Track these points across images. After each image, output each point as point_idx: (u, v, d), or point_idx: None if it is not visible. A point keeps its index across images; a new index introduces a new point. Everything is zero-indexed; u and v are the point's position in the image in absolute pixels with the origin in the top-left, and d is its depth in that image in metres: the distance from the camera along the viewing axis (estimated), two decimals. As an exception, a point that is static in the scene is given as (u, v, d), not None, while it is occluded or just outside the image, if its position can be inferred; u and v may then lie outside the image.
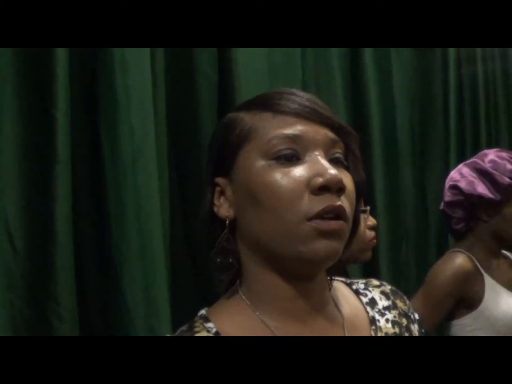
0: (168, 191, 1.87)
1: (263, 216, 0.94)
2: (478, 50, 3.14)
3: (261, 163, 0.94)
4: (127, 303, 1.68)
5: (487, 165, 2.11)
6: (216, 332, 0.99)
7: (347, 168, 0.99)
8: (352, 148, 1.00)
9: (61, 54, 1.60)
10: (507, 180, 2.08)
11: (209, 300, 1.07)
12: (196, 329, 0.99)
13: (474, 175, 2.13)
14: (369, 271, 2.43)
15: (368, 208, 1.95)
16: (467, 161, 2.21)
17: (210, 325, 0.99)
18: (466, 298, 2.10)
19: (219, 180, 1.00)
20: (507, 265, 2.25)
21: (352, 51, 2.65)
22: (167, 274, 1.78)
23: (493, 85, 3.19)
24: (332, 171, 0.92)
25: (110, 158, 1.69)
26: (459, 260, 2.11)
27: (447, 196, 2.18)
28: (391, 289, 1.13)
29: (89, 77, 1.72)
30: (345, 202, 0.94)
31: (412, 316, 1.12)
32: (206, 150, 1.80)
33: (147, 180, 1.71)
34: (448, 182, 2.20)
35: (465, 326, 2.10)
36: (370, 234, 1.94)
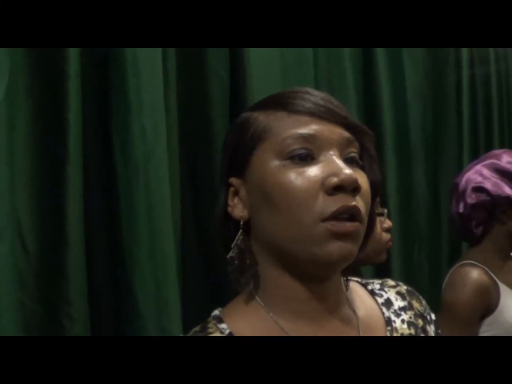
0: (180, 192, 1.87)
1: (277, 216, 0.93)
2: (491, 50, 3.13)
3: (275, 163, 0.94)
4: (138, 303, 1.67)
5: (508, 166, 2.09)
6: (230, 333, 0.98)
7: (362, 168, 0.98)
8: (367, 147, 1.00)
9: (72, 55, 1.60)
10: None
11: (220, 300, 1.07)
12: (210, 330, 1.00)
13: (496, 176, 2.09)
14: (382, 272, 2.41)
15: (385, 210, 1.95)
16: (483, 162, 2.16)
17: (223, 326, 0.99)
18: (485, 309, 2.08)
19: (233, 180, 1.00)
20: None
21: (365, 51, 2.64)
22: (178, 275, 1.78)
23: (506, 85, 3.18)
24: (347, 170, 0.91)
25: (122, 159, 1.69)
26: (475, 275, 2.07)
27: (471, 198, 2.12)
28: (407, 290, 1.13)
29: (100, 78, 1.72)
30: (360, 202, 0.93)
31: (428, 317, 1.11)
32: (218, 151, 1.82)
33: (159, 181, 1.71)
34: (468, 184, 2.14)
35: (480, 332, 2.08)
36: (386, 236, 1.94)
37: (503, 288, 2.09)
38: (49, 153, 1.60)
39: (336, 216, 0.91)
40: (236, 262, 0.99)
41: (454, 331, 1.99)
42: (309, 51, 2.32)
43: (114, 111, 1.70)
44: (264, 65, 2.08)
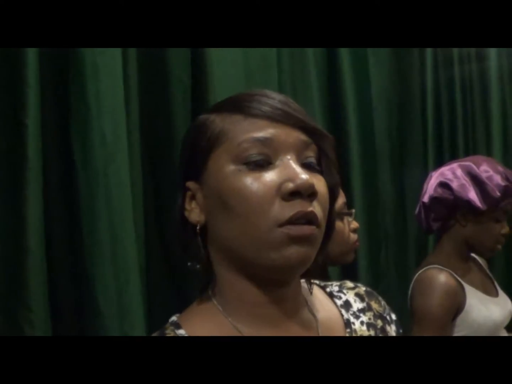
0: (142, 196, 1.86)
1: (234, 222, 0.93)
2: (455, 52, 3.15)
3: (231, 167, 0.93)
4: (100, 309, 1.66)
5: (482, 174, 2.11)
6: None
7: (320, 172, 0.97)
8: (325, 150, 0.98)
9: (31, 60, 1.59)
10: (498, 194, 2.08)
11: (185, 305, 1.06)
12: (167, 336, 0.99)
13: (467, 178, 2.12)
14: (349, 273, 2.42)
15: (353, 211, 1.97)
16: (462, 163, 2.19)
17: (181, 331, 0.99)
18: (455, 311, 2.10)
19: (190, 184, 0.99)
20: (476, 266, 2.27)
21: (329, 54, 2.65)
22: (141, 279, 1.77)
23: (470, 87, 3.20)
24: (304, 175, 0.91)
25: (82, 164, 1.68)
26: (443, 279, 2.09)
27: (435, 191, 2.17)
28: (365, 291, 1.13)
29: (59, 82, 1.71)
30: (317, 207, 0.93)
31: (388, 317, 1.11)
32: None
33: (119, 185, 1.70)
34: (438, 178, 2.19)
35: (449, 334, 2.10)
36: (354, 237, 1.95)
37: (467, 288, 2.12)
38: (8, 159, 1.59)
39: (292, 221, 0.90)
40: (197, 268, 0.99)
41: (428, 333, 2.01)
42: (273, 54, 2.32)
43: (74, 117, 1.69)
44: (227, 68, 2.07)
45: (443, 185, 2.16)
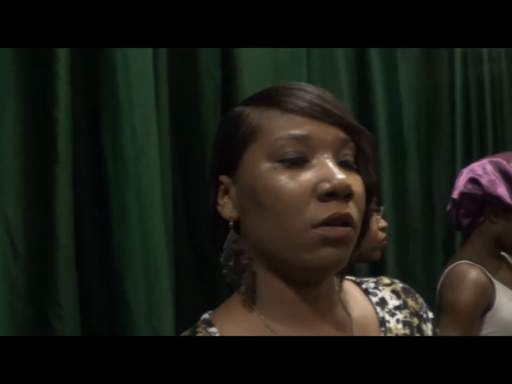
0: (171, 191, 1.86)
1: (267, 221, 0.90)
2: (484, 50, 3.12)
3: (266, 165, 0.91)
4: (130, 304, 1.66)
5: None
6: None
7: (357, 170, 0.94)
8: (364, 148, 0.96)
9: (62, 54, 1.59)
10: None
11: (213, 301, 1.05)
12: (199, 335, 0.97)
13: (497, 174, 2.09)
14: (376, 270, 2.40)
15: (382, 208, 1.95)
16: (492, 158, 2.16)
17: (213, 329, 0.97)
18: (485, 307, 2.08)
19: (223, 178, 0.96)
20: (506, 264, 2.23)
21: (358, 52, 2.63)
22: (170, 275, 1.77)
23: (499, 85, 3.17)
24: (340, 176, 0.88)
25: (112, 158, 1.68)
26: (474, 275, 2.06)
27: (465, 187, 2.14)
28: (402, 287, 1.10)
29: (90, 76, 1.71)
30: (353, 208, 0.90)
31: (424, 315, 1.08)
32: (209, 150, 1.81)
33: (149, 180, 1.70)
34: (468, 174, 2.15)
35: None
36: (381, 235, 1.94)
37: (497, 285, 2.09)
38: (38, 153, 1.59)
39: (328, 223, 0.88)
40: (230, 264, 0.96)
41: (458, 332, 1.99)
42: (302, 51, 2.31)
43: (104, 111, 1.70)
44: (257, 64, 2.06)
45: (473, 180, 2.13)
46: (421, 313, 1.08)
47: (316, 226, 0.88)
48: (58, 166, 1.57)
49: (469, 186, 2.14)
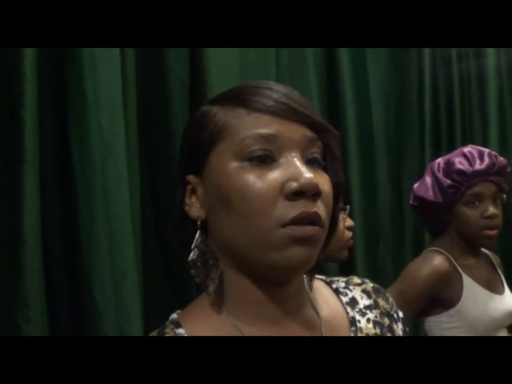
0: (139, 191, 1.85)
1: (235, 221, 0.90)
2: (453, 50, 3.15)
3: (234, 164, 0.90)
4: (97, 305, 1.65)
5: (441, 167, 2.13)
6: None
7: (325, 168, 0.94)
8: (331, 147, 0.95)
9: (29, 53, 1.58)
10: (448, 182, 2.08)
11: (182, 301, 1.04)
12: (167, 335, 0.96)
13: (430, 178, 2.16)
14: (346, 269, 2.41)
15: (348, 207, 1.95)
16: (431, 163, 2.22)
17: (181, 330, 0.96)
18: (442, 298, 2.10)
19: (191, 178, 0.95)
20: (485, 263, 2.25)
21: (327, 50, 2.64)
22: (138, 276, 1.76)
23: (467, 84, 3.20)
24: (308, 175, 0.87)
25: (79, 158, 1.67)
26: (436, 261, 2.10)
27: (410, 199, 2.24)
28: (373, 287, 1.09)
29: (57, 76, 1.70)
30: (321, 207, 0.90)
31: (395, 315, 1.08)
32: (177, 148, 1.80)
33: (117, 179, 1.69)
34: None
35: (442, 323, 2.10)
36: (348, 234, 1.94)
37: (467, 280, 2.11)
38: (5, 152, 1.58)
39: (295, 222, 0.87)
40: (198, 264, 0.94)
41: (397, 304, 2.02)
42: (271, 50, 2.30)
43: (71, 110, 1.68)
44: (225, 63, 2.05)
45: (412, 192, 2.22)
46: (391, 312, 1.08)
47: (284, 225, 0.87)
48: (25, 166, 1.55)
49: (411, 200, 2.23)
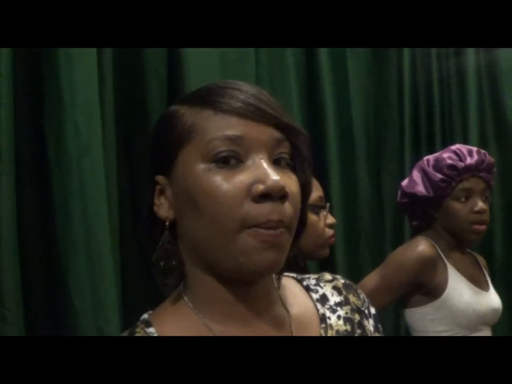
0: (117, 189, 1.84)
1: (202, 222, 0.90)
2: (433, 49, 3.15)
3: (201, 166, 0.90)
4: (74, 304, 1.64)
5: (431, 163, 2.15)
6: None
7: (293, 168, 0.95)
8: (299, 147, 0.95)
9: (4, 50, 1.57)
10: (439, 176, 2.11)
11: (160, 301, 1.04)
12: (137, 335, 0.96)
13: (419, 174, 2.18)
14: (327, 268, 2.41)
15: (328, 205, 1.95)
16: (420, 161, 2.24)
17: (151, 330, 0.96)
18: (427, 285, 2.11)
19: (160, 178, 0.95)
20: (471, 261, 2.27)
21: (308, 48, 2.63)
22: (116, 275, 1.75)
23: (447, 82, 3.21)
24: (274, 177, 0.88)
25: (55, 157, 1.66)
26: (421, 247, 2.12)
27: (397, 196, 2.25)
28: (344, 283, 1.10)
29: (33, 73, 1.69)
30: (288, 208, 0.90)
31: (366, 311, 1.08)
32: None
33: (94, 177, 1.68)
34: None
35: (426, 314, 2.11)
36: (329, 231, 1.94)
37: (452, 271, 2.12)
38: (-20, 151, 1.56)
39: (260, 226, 0.88)
40: (161, 263, 0.95)
41: (380, 288, 2.07)
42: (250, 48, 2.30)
43: (47, 108, 1.67)
44: (204, 61, 2.04)
45: (399, 189, 2.24)
46: (362, 308, 1.08)
47: (249, 227, 0.88)
48: (1, 166, 1.55)
49: (398, 196, 2.24)
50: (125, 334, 0.98)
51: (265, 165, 0.89)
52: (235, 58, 2.22)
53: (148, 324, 0.97)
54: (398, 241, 2.91)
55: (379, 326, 1.10)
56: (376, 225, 2.96)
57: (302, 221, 0.97)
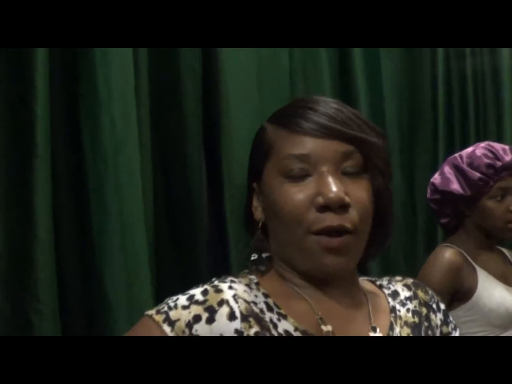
0: (152, 185, 1.84)
1: (279, 227, 1.04)
2: (467, 44, 3.12)
3: (278, 179, 1.04)
4: (109, 299, 1.65)
5: (465, 160, 2.14)
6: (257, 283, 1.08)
7: (367, 175, 1.04)
8: (370, 156, 1.04)
9: (40, 48, 1.56)
10: (477, 175, 2.10)
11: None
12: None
13: (452, 171, 2.17)
14: (359, 267, 2.40)
15: None
16: (449, 158, 2.23)
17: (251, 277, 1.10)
18: (457, 292, 2.11)
19: (254, 185, 1.10)
20: (501, 259, 2.25)
21: (341, 45, 2.61)
22: (151, 271, 1.76)
23: (481, 79, 3.17)
24: (334, 189, 0.99)
25: (91, 153, 1.67)
26: (447, 255, 2.12)
27: (428, 193, 2.25)
28: (413, 282, 1.22)
29: (69, 69, 1.69)
30: (353, 215, 1.00)
31: (434, 306, 1.19)
32: (189, 143, 1.81)
33: (129, 173, 1.69)
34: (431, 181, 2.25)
35: (459, 317, 2.08)
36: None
37: (481, 273, 2.12)
38: (17, 147, 1.57)
39: (323, 233, 1.00)
40: (253, 258, 1.12)
41: None
42: (284, 44, 2.29)
43: (83, 104, 1.68)
44: (238, 58, 2.04)
45: (431, 185, 2.24)
46: (430, 303, 1.18)
47: (314, 233, 1.00)
48: (37, 161, 1.55)
49: (429, 192, 2.25)
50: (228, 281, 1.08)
51: (328, 178, 1.01)
52: (269, 53, 2.21)
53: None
54: (430, 240, 2.90)
55: (448, 320, 1.20)
56: (408, 223, 2.94)
57: (385, 220, 1.10)
